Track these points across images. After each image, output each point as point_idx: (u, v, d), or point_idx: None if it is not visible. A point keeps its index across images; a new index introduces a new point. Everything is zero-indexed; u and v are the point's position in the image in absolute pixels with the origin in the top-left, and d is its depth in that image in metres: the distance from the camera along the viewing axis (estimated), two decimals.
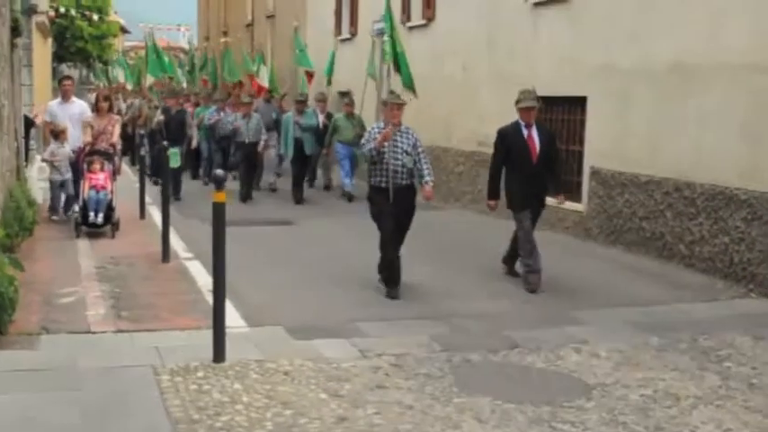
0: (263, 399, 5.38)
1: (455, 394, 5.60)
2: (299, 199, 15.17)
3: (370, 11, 18.88)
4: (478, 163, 14.09)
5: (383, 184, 8.19)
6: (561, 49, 11.87)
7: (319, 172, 17.61)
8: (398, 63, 14.00)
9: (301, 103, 16.00)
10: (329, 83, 19.29)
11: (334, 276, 9.04)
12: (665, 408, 5.47)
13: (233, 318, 7.23)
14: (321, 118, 16.56)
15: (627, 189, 10.52)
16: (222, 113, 17.25)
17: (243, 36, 29.17)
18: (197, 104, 19.13)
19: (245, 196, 15.16)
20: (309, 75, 19.22)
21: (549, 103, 12.28)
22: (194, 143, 16.54)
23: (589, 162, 11.34)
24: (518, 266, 9.07)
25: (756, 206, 8.53)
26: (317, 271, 9.33)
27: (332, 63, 19.37)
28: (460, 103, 14.44)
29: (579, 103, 11.54)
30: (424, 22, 16.18)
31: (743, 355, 6.60)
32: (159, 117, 15.74)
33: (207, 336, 6.24)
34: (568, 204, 11.66)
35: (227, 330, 6.66)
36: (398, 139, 8.19)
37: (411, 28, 16.70)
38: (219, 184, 5.90)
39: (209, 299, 6.73)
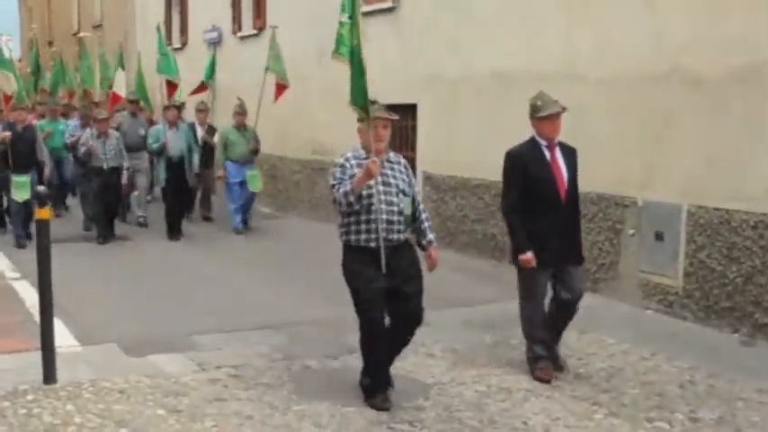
0: (96, 419, 5.23)
1: (294, 402, 5.62)
2: (175, 235, 12.36)
3: (200, 19, 18.68)
4: (315, 171, 14.18)
5: (371, 244, 5.43)
6: (391, 59, 12.09)
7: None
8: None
9: (171, 111, 12.89)
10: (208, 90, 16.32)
11: (171, 293, 8.87)
12: (499, 401, 5.68)
13: (65, 337, 6.99)
14: (201, 132, 13.84)
15: (458, 192, 10.83)
16: (89, 130, 12.59)
17: (70, 46, 28.16)
18: (41, 116, 15.29)
19: (104, 234, 12.02)
20: (172, 85, 14.74)
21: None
22: (47, 172, 12.20)
23: (421, 167, 11.60)
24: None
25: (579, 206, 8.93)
26: (148, 284, 9.15)
27: (213, 65, 16.66)
28: (294, 111, 14.47)
29: (410, 110, 11.79)
30: (255, 31, 16.14)
31: (569, 347, 6.91)
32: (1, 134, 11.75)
33: (37, 357, 5.99)
34: None
35: (59, 350, 6.46)
36: (389, 173, 5.50)
37: (242, 38, 16.62)
38: (42, 201, 5.70)
39: (39, 319, 6.47)
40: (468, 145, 10.70)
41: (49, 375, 5.80)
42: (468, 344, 7.01)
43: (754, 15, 7.11)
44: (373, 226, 5.43)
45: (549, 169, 6.04)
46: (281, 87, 13.31)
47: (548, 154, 6.09)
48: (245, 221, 13.06)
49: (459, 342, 7.05)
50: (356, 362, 6.50)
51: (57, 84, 20.48)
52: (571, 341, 7.10)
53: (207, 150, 13.62)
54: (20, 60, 30.89)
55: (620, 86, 8.43)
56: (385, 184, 5.47)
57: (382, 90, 11.86)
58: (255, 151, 13.02)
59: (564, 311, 6.27)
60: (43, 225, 5.66)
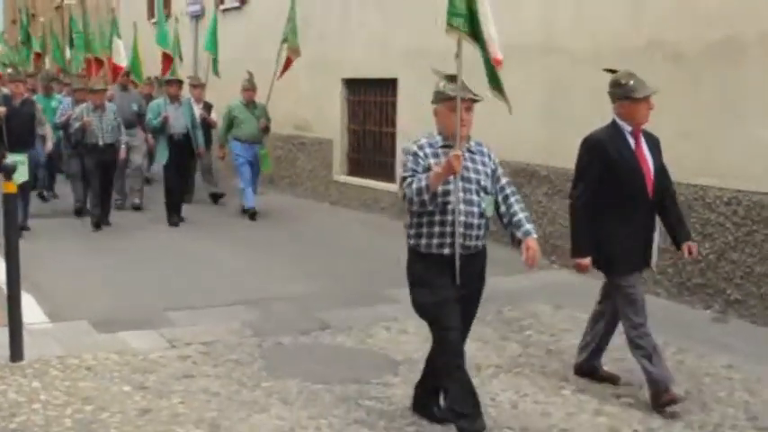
0: (62, 396, 5.20)
1: (263, 378, 5.60)
2: (175, 219, 11.42)
3: None
4: (296, 146, 14.12)
5: (445, 251, 4.57)
6: (371, 32, 12.01)
7: (198, 179, 13.51)
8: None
9: (173, 86, 11.94)
10: (215, 66, 14.16)
11: (149, 268, 8.83)
12: None
13: (35, 313, 6.98)
14: (198, 109, 12.68)
15: None
16: (84, 104, 11.57)
17: (54, 18, 27.95)
18: (32, 90, 13.65)
19: (98, 219, 11.02)
20: (167, 57, 13.91)
21: (363, 85, 12.49)
22: (49, 146, 11.54)
23: (401, 143, 11.53)
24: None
25: (555, 181, 8.94)
26: (130, 262, 9.09)
27: (214, 35, 14.25)
28: (276, 85, 14.36)
29: (390, 84, 11.73)
30: (237, 4, 16.01)
31: (542, 323, 6.93)
32: None
33: (5, 334, 5.95)
34: (383, 185, 11.91)
35: (29, 327, 6.47)
36: (469, 166, 4.57)
37: (225, 11, 16.48)
38: (8, 173, 5.64)
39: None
40: None
41: (16, 352, 5.76)
42: None
43: None
44: (448, 229, 4.50)
45: (635, 159, 5.22)
46: (289, 62, 12.36)
47: (632, 141, 5.26)
48: (251, 208, 12.01)
49: None
50: (329, 338, 6.51)
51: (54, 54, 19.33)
52: (544, 317, 7.12)
53: (204, 129, 12.68)
54: (3, 33, 30.66)
55: (598, 60, 8.37)
56: (465, 179, 4.49)
57: (361, 65, 11.91)
58: (266, 129, 12.20)
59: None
60: (10, 199, 5.60)
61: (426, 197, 4.37)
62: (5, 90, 11.06)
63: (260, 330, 6.64)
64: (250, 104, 12.04)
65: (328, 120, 13.15)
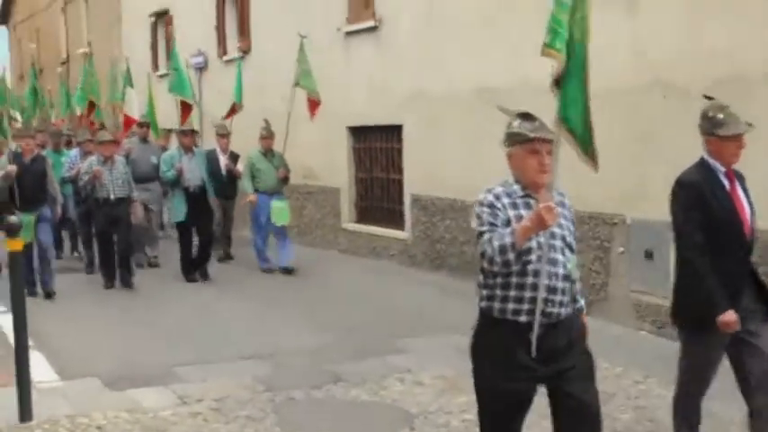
0: None
1: None
2: (193, 276, 10.96)
3: (185, 44, 18.61)
4: (304, 196, 14.06)
5: (521, 318, 3.84)
6: (374, 79, 12.02)
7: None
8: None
9: (188, 137, 11.34)
10: (239, 108, 13.37)
11: (158, 325, 8.70)
12: None
13: (45, 372, 6.92)
14: (224, 159, 12.25)
15: (447, 215, 10.72)
16: (92, 157, 11.07)
17: (60, 74, 28.14)
18: (41, 146, 12.53)
19: (110, 279, 10.57)
20: (186, 107, 12.90)
21: (368, 132, 12.47)
22: (58, 210, 10.55)
23: (409, 190, 11.50)
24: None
25: None
26: (140, 318, 8.97)
27: (240, 83, 13.62)
28: (282, 134, 14.35)
29: (396, 131, 11.70)
30: (240, 55, 16.06)
31: None
32: (6, 167, 9.71)
33: (14, 394, 5.83)
34: (392, 232, 11.85)
35: (39, 386, 6.42)
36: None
37: (227, 62, 16.55)
38: (13, 231, 5.57)
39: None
40: (454, 165, 10.59)
41: (25, 413, 5.64)
42: (457, 370, 6.81)
43: (737, 27, 7.03)
44: (527, 294, 3.81)
45: (731, 201, 4.67)
46: (314, 104, 11.74)
47: (726, 182, 4.73)
48: (285, 268, 11.32)
49: (448, 368, 6.88)
50: (341, 391, 6.39)
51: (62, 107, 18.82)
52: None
53: (230, 180, 12.20)
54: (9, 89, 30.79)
55: (605, 100, 8.32)
56: (551, 236, 3.85)
57: (365, 112, 11.90)
58: (285, 180, 11.54)
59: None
60: (15, 258, 5.52)
61: (511, 256, 3.68)
62: (14, 146, 10.58)
63: (272, 385, 6.51)
64: (268, 153, 11.51)
65: (335, 168, 13.11)
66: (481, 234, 3.80)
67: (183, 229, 11.06)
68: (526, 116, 4.06)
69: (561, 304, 3.85)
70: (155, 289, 10.69)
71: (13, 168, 9.55)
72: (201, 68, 17.89)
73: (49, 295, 9.84)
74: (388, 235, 12.01)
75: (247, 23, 16.12)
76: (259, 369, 6.97)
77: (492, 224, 3.79)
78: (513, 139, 3.99)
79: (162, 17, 20.71)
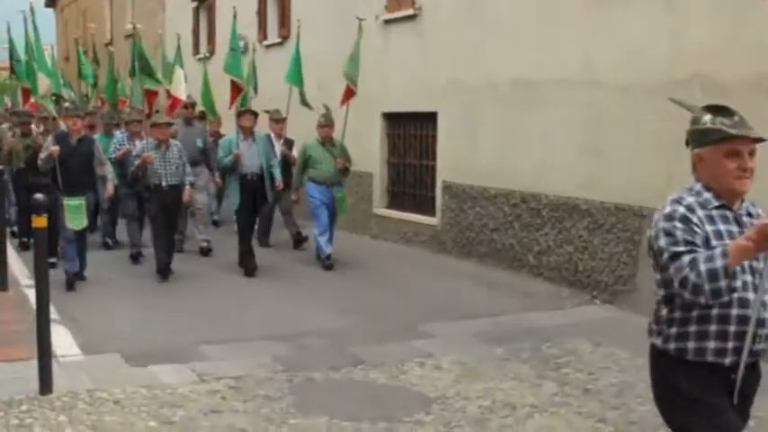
0: (87, 430, 5.14)
1: (291, 415, 5.49)
2: (251, 268, 10.19)
3: (226, 29, 18.69)
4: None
5: (726, 360, 3.18)
6: (411, 67, 11.98)
7: (278, 218, 12.30)
8: None
9: (248, 119, 10.54)
10: (303, 97, 12.43)
11: (184, 304, 8.75)
12: (502, 417, 5.49)
13: (68, 346, 6.99)
14: (279, 146, 11.75)
15: (477, 202, 10.66)
16: (138, 142, 10.65)
17: (103, 56, 28.40)
18: (91, 128, 12.34)
19: (164, 267, 9.84)
20: (236, 87, 11.89)
21: (403, 118, 12.44)
22: (110, 188, 10.04)
23: (441, 176, 11.46)
24: None
25: (597, 215, 8.76)
26: (166, 298, 9.04)
27: (298, 65, 12.68)
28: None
29: (430, 118, 11.66)
30: (279, 40, 16.12)
31: (581, 361, 6.72)
32: (49, 147, 9.33)
33: (36, 366, 5.93)
34: (423, 218, 11.84)
35: (62, 360, 6.51)
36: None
37: (268, 46, 16.60)
38: (40, 208, 5.64)
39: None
40: (487, 153, 10.54)
41: (46, 385, 5.71)
42: (477, 357, 6.83)
43: None
44: (732, 329, 3.13)
45: None
46: (349, 92, 11.16)
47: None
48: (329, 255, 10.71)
49: (468, 355, 6.87)
50: (360, 374, 6.39)
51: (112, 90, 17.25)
52: (584, 355, 6.92)
53: (285, 167, 11.45)
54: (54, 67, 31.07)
55: (639, 94, 8.23)
56: (756, 259, 3.16)
57: (402, 99, 11.87)
58: (345, 170, 10.94)
59: None
60: (40, 234, 5.59)
61: (723, 283, 2.97)
62: (63, 126, 10.11)
63: (292, 365, 6.53)
64: (327, 142, 10.79)
65: (369, 153, 13.10)
66: (677, 256, 3.09)
67: (240, 217, 10.42)
68: (720, 109, 3.31)
69: (766, 339, 3.20)
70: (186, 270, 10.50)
71: (55, 149, 9.16)
72: (243, 53, 17.93)
73: (78, 276, 9.38)
74: (418, 221, 11.99)
75: (288, 10, 16.14)
76: (280, 349, 7.00)
77: (690, 243, 3.10)
78: (704, 137, 3.27)
79: (204, 3, 20.82)
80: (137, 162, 9.83)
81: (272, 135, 11.79)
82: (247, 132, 10.43)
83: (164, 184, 9.83)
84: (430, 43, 11.67)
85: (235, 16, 13.14)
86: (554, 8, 9.32)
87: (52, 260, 9.19)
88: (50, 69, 16.28)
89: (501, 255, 10.27)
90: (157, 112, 11.36)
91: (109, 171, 9.99)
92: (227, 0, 19.01)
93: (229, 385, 6.04)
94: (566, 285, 9.19)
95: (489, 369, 6.54)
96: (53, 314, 7.26)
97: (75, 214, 9.15)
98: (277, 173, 10.67)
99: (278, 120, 12.01)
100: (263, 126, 11.72)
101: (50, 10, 40.01)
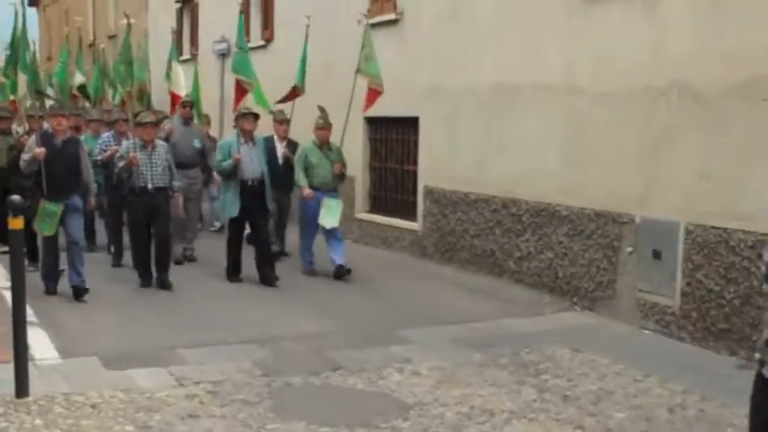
0: None
1: (269, 420, 5.47)
2: (237, 277, 9.86)
3: (210, 31, 18.68)
4: None
5: None
6: (393, 71, 11.97)
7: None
8: None
9: (250, 122, 9.88)
10: (300, 91, 11.92)
11: (164, 308, 8.69)
12: (479, 424, 5.49)
13: (46, 349, 6.94)
14: (281, 148, 11.21)
15: (458, 207, 10.68)
16: (125, 142, 9.99)
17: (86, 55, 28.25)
18: (76, 128, 11.83)
19: (146, 277, 9.46)
20: (240, 89, 11.81)
21: (384, 123, 12.45)
22: (92, 201, 9.61)
23: (422, 181, 11.46)
24: None
25: (576, 221, 8.79)
26: (145, 302, 8.98)
27: (304, 63, 12.10)
28: (301, 123, 14.34)
29: (412, 123, 11.67)
30: (262, 43, 16.10)
31: (560, 367, 6.74)
32: (32, 149, 8.64)
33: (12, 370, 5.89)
34: (404, 223, 11.86)
35: (39, 363, 6.49)
36: None
37: (251, 49, 16.53)
38: (16, 209, 5.60)
39: (27, 331, 6.29)
40: (468, 159, 10.56)
41: (22, 389, 5.67)
42: (455, 362, 6.84)
43: (755, 28, 6.93)
44: None
45: None
46: (374, 93, 10.57)
47: None
48: (341, 265, 10.03)
49: (447, 360, 6.87)
50: (339, 379, 6.38)
51: (98, 89, 17.68)
52: (563, 361, 6.94)
53: (288, 170, 10.85)
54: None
55: (619, 100, 8.27)
56: None
57: (383, 104, 11.87)
58: (341, 176, 10.36)
59: None
60: (16, 235, 5.55)
61: None
62: (46, 126, 9.51)
63: (270, 370, 6.51)
64: (324, 146, 10.20)
65: (350, 157, 13.06)
66: None
67: (235, 225, 9.83)
68: None
69: None
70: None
71: (41, 151, 8.51)
72: (224, 55, 17.92)
73: (78, 294, 8.68)
74: (400, 226, 12.00)
75: (271, 13, 16.13)
76: (259, 353, 6.97)
77: None
78: None
79: (188, 3, 20.77)
80: (121, 164, 9.39)
81: (276, 137, 11.26)
82: (248, 136, 9.83)
83: (149, 186, 9.32)
84: (412, 48, 11.68)
85: (241, 12, 12.81)
86: (535, 15, 9.34)
87: (30, 268, 8.98)
88: (30, 67, 15.78)
89: (482, 260, 10.29)
90: (142, 111, 10.99)
91: (90, 178, 9.32)
92: (210, 1, 19.12)
93: (207, 389, 6.02)
94: (546, 291, 9.21)
95: (468, 375, 6.54)
96: (32, 317, 7.27)
97: (47, 220, 8.57)
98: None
99: (281, 121, 11.32)
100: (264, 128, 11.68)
101: (33, 9, 39.77)
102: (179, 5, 21.18)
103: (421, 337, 7.66)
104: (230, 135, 10.57)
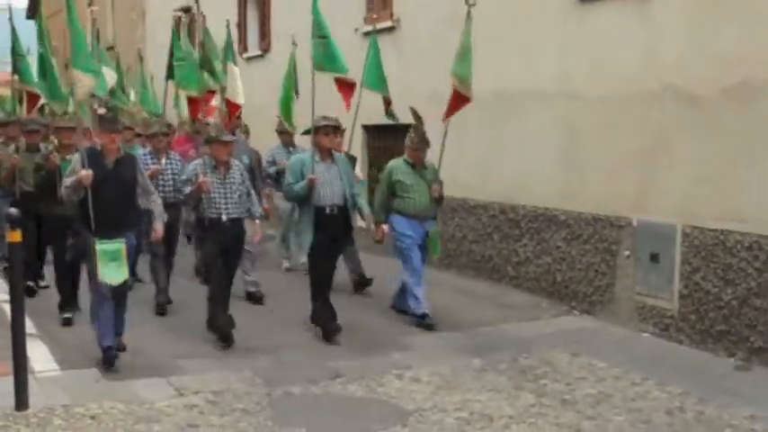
0: None
1: (269, 429, 5.49)
2: (334, 330, 7.72)
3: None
4: None
5: None
6: (392, 78, 11.99)
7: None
8: None
9: (329, 135, 7.98)
10: (389, 112, 10.32)
11: (164, 319, 8.69)
12: (478, 429, 5.52)
13: (46, 361, 6.94)
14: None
15: (458, 213, 10.69)
16: (164, 160, 8.96)
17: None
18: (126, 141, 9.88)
19: (225, 334, 7.48)
20: (346, 86, 9.99)
21: (382, 131, 12.46)
22: (160, 229, 7.30)
23: None
24: None
25: (574, 226, 8.81)
26: (146, 314, 8.94)
27: (379, 69, 10.40)
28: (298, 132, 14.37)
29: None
30: (260, 52, 16.15)
31: (559, 371, 6.76)
32: (77, 170, 6.73)
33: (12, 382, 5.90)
34: None
35: (39, 375, 6.49)
36: None
37: (248, 59, 16.61)
38: (13, 222, 5.62)
39: (28, 342, 6.29)
40: (467, 165, 10.56)
41: (21, 401, 5.69)
42: (455, 368, 6.86)
43: (748, 31, 6.95)
44: None
45: None
46: (461, 99, 8.66)
47: None
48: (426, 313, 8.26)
49: (446, 366, 6.89)
50: (339, 387, 6.40)
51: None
52: (562, 365, 6.95)
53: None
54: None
55: (614, 105, 8.30)
56: None
57: (382, 110, 11.89)
58: (440, 200, 8.61)
59: None
60: (14, 249, 5.57)
61: None
62: (88, 143, 7.68)
63: (270, 379, 6.53)
64: (418, 165, 8.54)
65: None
66: None
67: (313, 259, 7.83)
68: None
69: None
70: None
71: (87, 174, 6.63)
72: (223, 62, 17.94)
73: (110, 361, 6.76)
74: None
75: (268, 23, 16.17)
76: (259, 363, 6.99)
77: None
78: None
79: (186, 12, 20.79)
80: (187, 189, 7.69)
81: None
82: (325, 153, 7.99)
83: (224, 218, 7.62)
84: (409, 55, 11.71)
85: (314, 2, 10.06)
86: (531, 21, 9.39)
87: (30, 283, 8.66)
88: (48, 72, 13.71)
89: (480, 266, 10.30)
90: (207, 123, 9.47)
91: (158, 204, 7.32)
92: (207, 12, 19.13)
93: (207, 399, 6.04)
94: (544, 296, 9.23)
95: (467, 380, 6.56)
96: (32, 329, 7.29)
97: (111, 263, 6.66)
98: (364, 204, 8.37)
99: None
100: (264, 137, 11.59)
101: (31, 22, 39.87)
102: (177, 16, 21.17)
103: (421, 343, 7.68)
104: (303, 152, 8.93)
